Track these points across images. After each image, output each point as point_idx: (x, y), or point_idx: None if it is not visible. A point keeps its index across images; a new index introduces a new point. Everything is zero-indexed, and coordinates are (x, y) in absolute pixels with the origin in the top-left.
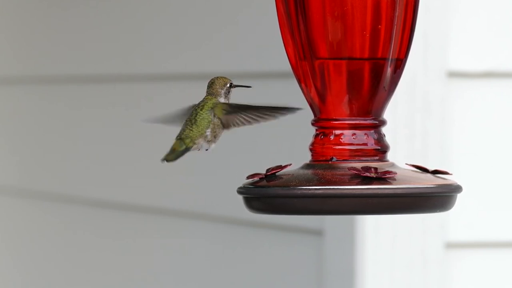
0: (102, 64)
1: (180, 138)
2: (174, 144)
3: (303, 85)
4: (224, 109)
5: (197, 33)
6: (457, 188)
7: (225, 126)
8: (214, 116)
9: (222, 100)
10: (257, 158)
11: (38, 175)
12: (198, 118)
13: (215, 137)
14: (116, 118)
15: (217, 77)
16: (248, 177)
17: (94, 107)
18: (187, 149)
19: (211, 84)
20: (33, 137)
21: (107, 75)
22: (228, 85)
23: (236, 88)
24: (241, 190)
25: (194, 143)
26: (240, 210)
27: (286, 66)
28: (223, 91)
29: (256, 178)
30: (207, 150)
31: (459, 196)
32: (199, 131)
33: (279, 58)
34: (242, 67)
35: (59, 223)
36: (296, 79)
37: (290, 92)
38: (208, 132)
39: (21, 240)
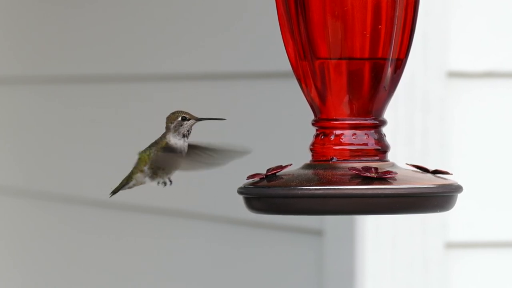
0: (102, 64)
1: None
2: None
3: (303, 85)
4: (163, 147)
5: (197, 33)
6: (457, 188)
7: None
8: (155, 152)
9: (172, 135)
10: (257, 158)
11: (38, 175)
12: (141, 155)
13: (155, 173)
14: (116, 118)
15: (173, 112)
16: (248, 177)
17: (94, 107)
18: (126, 184)
19: (166, 121)
20: (33, 137)
21: (107, 75)
22: (179, 118)
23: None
24: (242, 190)
25: (132, 179)
26: (240, 210)
27: (286, 66)
28: (172, 125)
29: (256, 178)
30: (159, 184)
31: (460, 196)
32: (138, 168)
33: (279, 58)
34: (242, 67)
35: (59, 223)
36: (296, 79)
37: (290, 92)
38: (146, 168)
39: (21, 240)
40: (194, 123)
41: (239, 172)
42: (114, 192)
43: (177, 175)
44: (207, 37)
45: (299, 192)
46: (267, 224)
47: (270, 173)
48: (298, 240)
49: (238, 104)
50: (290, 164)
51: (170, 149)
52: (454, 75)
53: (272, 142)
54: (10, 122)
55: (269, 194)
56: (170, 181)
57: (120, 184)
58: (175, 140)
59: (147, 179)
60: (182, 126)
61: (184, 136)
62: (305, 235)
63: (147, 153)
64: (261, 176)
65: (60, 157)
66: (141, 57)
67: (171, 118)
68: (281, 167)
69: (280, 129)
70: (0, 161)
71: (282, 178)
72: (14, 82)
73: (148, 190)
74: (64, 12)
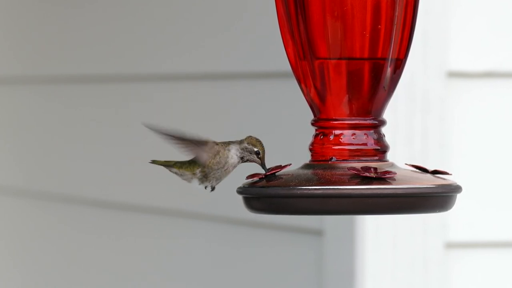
0: (102, 64)
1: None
2: (173, 163)
3: (303, 85)
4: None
5: (197, 33)
6: (456, 188)
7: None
8: (211, 159)
9: (235, 149)
10: None
11: (38, 175)
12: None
13: (206, 177)
14: (116, 118)
15: (258, 139)
16: (247, 177)
17: (94, 107)
18: (170, 166)
19: (247, 137)
20: (33, 137)
21: (107, 75)
22: (255, 149)
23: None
24: (241, 190)
25: (176, 168)
26: (240, 210)
27: (286, 66)
28: (244, 145)
29: (255, 178)
30: (206, 188)
31: (459, 196)
32: (191, 167)
33: (279, 58)
34: (242, 67)
35: (59, 223)
36: (296, 79)
37: (290, 92)
38: (198, 171)
39: (21, 240)
40: (256, 162)
41: (238, 172)
42: (154, 162)
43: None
44: (207, 37)
45: (299, 192)
46: (267, 224)
47: (269, 173)
48: (298, 240)
49: (238, 104)
50: (290, 164)
51: (221, 156)
52: (454, 75)
53: (272, 142)
54: (10, 122)
55: (268, 194)
56: (214, 187)
57: (165, 162)
58: (233, 154)
59: (195, 180)
60: (250, 154)
61: (241, 159)
62: (305, 235)
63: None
64: (261, 176)
65: (60, 157)
66: (141, 57)
67: (250, 141)
68: (280, 167)
69: (280, 129)
70: (0, 161)
71: (282, 178)
72: (14, 82)
73: (148, 190)
74: (64, 12)
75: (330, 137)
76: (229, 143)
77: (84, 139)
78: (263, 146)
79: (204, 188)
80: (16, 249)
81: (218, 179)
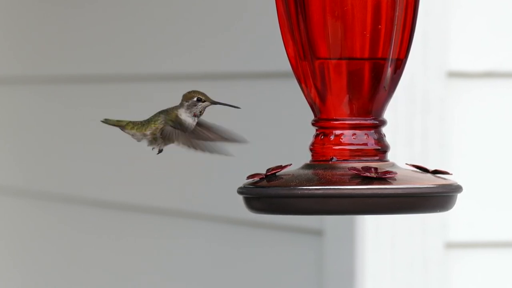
0: (101, 64)
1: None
2: (125, 123)
3: (303, 85)
4: (172, 119)
5: (197, 33)
6: (457, 188)
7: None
8: (164, 122)
9: (184, 112)
10: (257, 158)
11: (38, 175)
12: (151, 119)
13: (155, 139)
14: (116, 118)
15: (190, 91)
16: (248, 177)
17: (94, 107)
18: (122, 127)
19: (183, 97)
20: (33, 137)
21: (106, 75)
22: (194, 99)
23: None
24: (241, 190)
25: (128, 128)
26: (240, 210)
27: (286, 66)
28: (186, 104)
29: (256, 178)
30: (153, 149)
31: (460, 196)
32: (141, 128)
33: (279, 58)
34: (242, 67)
35: (59, 223)
36: (296, 79)
37: (290, 92)
38: (149, 132)
39: (21, 240)
40: (208, 105)
41: (239, 172)
42: (107, 121)
43: (178, 175)
44: (207, 37)
45: (299, 192)
46: (267, 224)
47: (270, 173)
48: (298, 240)
49: (238, 104)
50: (290, 164)
51: (178, 123)
52: (454, 75)
53: (272, 142)
54: (10, 122)
55: (269, 194)
56: (162, 149)
57: (117, 121)
58: (185, 117)
59: (144, 140)
60: (196, 107)
61: (195, 116)
62: (305, 235)
63: (156, 120)
64: (261, 176)
65: (60, 157)
66: (141, 57)
67: (186, 97)
68: (281, 167)
69: (280, 129)
70: (0, 161)
71: (282, 178)
72: (14, 82)
73: (148, 190)
74: (64, 12)
75: (331, 137)
76: (175, 108)
77: (84, 139)
78: (199, 91)
79: (152, 149)
80: (16, 249)
81: (169, 141)
